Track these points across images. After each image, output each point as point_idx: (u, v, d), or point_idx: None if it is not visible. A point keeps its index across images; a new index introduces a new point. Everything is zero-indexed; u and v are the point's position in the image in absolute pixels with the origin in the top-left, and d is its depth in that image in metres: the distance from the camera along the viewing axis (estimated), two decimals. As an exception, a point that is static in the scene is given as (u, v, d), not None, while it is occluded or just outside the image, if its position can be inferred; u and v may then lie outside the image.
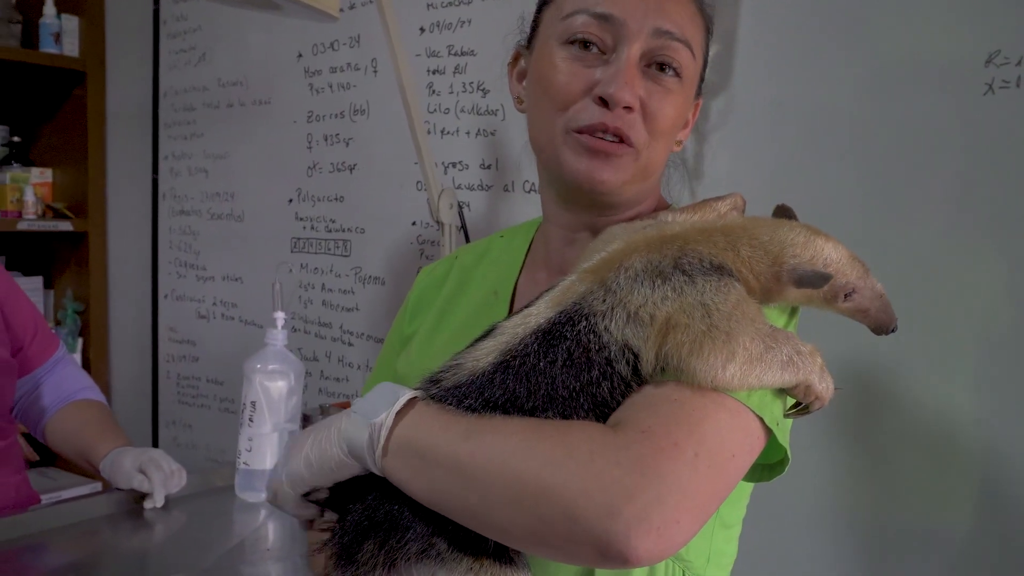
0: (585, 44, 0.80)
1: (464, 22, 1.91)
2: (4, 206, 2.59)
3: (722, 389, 0.66)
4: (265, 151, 2.36)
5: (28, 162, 2.76)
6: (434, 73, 1.96)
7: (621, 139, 0.80)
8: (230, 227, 2.47)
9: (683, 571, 0.82)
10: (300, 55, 2.24)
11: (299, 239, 2.28)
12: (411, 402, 0.70)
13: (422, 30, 1.97)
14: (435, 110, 1.95)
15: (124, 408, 2.80)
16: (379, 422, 0.68)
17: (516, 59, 0.92)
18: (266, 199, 2.36)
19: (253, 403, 1.46)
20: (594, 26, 0.80)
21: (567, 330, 0.68)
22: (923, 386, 1.35)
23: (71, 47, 2.69)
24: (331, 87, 2.18)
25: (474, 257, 1.04)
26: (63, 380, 1.57)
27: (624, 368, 0.68)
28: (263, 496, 1.36)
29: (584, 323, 0.68)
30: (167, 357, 2.68)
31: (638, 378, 0.68)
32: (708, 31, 0.87)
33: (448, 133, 1.94)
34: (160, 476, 1.37)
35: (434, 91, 1.95)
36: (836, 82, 1.43)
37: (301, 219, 2.27)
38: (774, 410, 0.71)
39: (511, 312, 0.88)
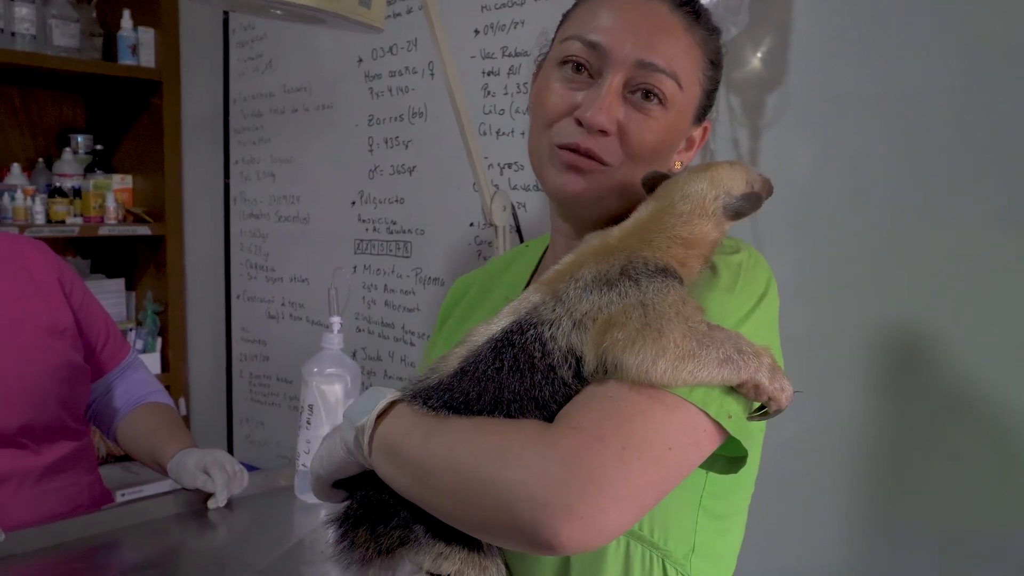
0: (577, 67, 0.86)
1: (517, 23, 1.91)
2: (88, 212, 2.71)
3: (655, 384, 0.70)
4: (328, 155, 2.41)
5: (110, 169, 2.89)
6: (489, 75, 1.96)
7: (595, 158, 0.84)
8: (297, 229, 2.54)
9: (662, 560, 0.82)
10: (360, 60, 2.28)
11: (362, 240, 2.32)
12: (393, 404, 0.77)
13: (476, 32, 1.98)
14: (490, 111, 1.96)
15: (201, 406, 2.91)
16: (362, 424, 0.77)
17: (537, 74, 0.95)
18: (330, 201, 2.41)
19: (310, 406, 1.50)
20: (584, 52, 0.85)
21: (516, 338, 0.74)
22: (996, 383, 1.30)
23: (148, 58, 2.79)
24: (390, 91, 2.21)
25: (501, 266, 1.09)
26: (133, 384, 1.63)
27: (566, 372, 0.72)
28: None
29: (532, 331, 0.73)
30: (240, 356, 2.76)
31: (579, 382, 0.72)
32: (713, 63, 0.90)
33: (504, 134, 1.94)
34: (223, 477, 1.41)
35: (489, 92, 1.96)
36: (899, 73, 1.38)
37: (364, 221, 2.31)
38: (724, 405, 0.73)
39: None
